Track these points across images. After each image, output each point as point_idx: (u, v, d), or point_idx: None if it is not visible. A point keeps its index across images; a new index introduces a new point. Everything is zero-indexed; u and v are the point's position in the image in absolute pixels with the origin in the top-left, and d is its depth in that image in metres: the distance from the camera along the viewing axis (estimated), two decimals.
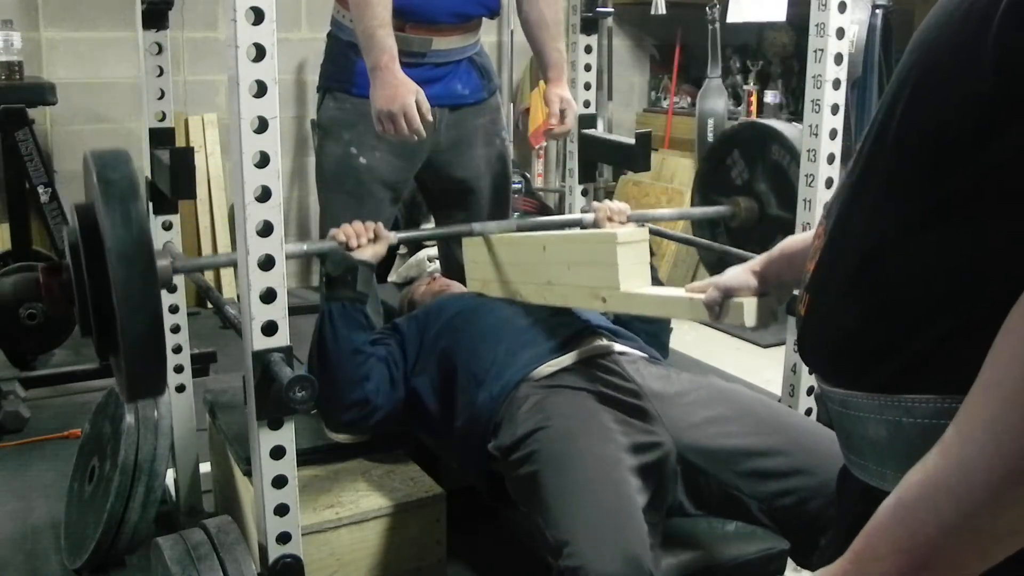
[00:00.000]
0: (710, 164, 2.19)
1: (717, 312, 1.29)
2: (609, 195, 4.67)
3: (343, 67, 2.12)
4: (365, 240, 1.74)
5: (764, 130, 2.03)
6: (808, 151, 1.83)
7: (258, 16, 1.21)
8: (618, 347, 1.75)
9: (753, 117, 4.51)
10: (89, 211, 1.35)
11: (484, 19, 2.18)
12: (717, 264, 2.16)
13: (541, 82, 4.51)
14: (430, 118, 1.90)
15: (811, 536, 1.47)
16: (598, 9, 2.45)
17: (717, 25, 4.07)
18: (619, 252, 1.57)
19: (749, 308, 1.25)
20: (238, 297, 1.36)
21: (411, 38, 2.04)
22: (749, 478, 1.50)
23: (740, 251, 2.85)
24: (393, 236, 1.80)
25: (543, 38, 2.13)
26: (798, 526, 1.48)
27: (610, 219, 1.98)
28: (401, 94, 1.84)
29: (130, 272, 1.27)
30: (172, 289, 1.99)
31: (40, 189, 3.05)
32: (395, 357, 1.82)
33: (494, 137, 2.27)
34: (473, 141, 2.23)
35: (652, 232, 2.69)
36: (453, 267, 2.26)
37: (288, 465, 1.38)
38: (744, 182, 2.12)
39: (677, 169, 4.47)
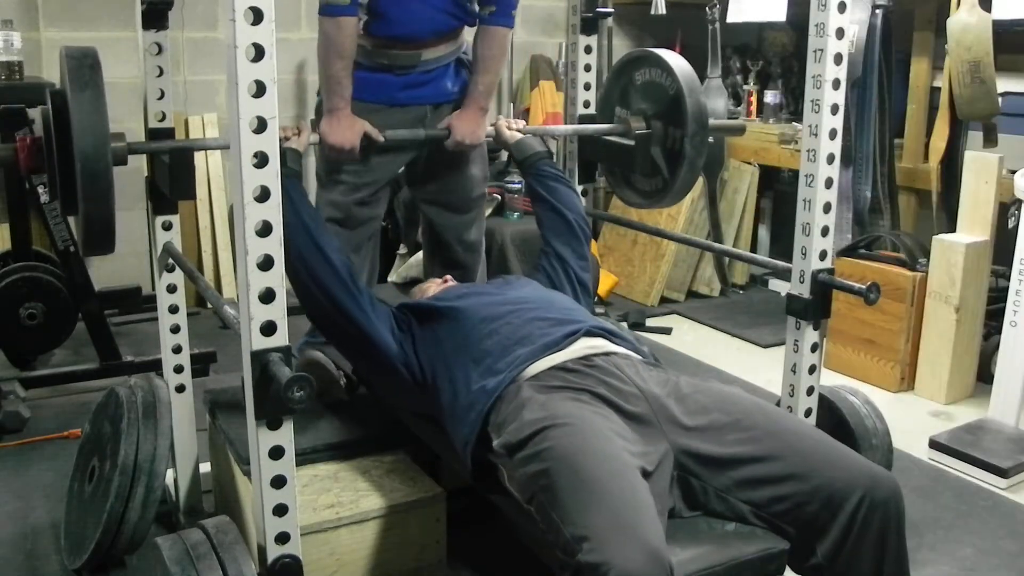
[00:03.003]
0: (608, 89, 2.43)
1: None
2: (609, 195, 4.67)
3: None
4: (291, 133, 1.97)
5: (649, 57, 2.27)
6: (808, 151, 1.82)
7: (257, 16, 1.21)
8: (615, 348, 1.75)
9: (753, 117, 4.52)
10: (62, 96, 1.61)
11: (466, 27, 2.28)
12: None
13: (541, 82, 4.54)
14: (382, 139, 2.13)
15: (807, 541, 1.47)
16: (598, 9, 2.45)
17: (717, 25, 4.07)
18: None
19: None
20: (237, 297, 1.36)
21: (401, 54, 2.20)
22: (743, 484, 1.51)
23: (739, 251, 2.89)
24: (314, 137, 2.07)
25: (473, 68, 2.28)
26: (793, 531, 1.48)
27: (508, 127, 2.25)
28: (351, 137, 2.10)
29: (92, 148, 1.54)
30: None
31: (40, 189, 3.04)
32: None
33: None
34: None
35: (652, 232, 2.69)
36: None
37: (287, 465, 1.38)
38: (635, 103, 2.34)
39: None
